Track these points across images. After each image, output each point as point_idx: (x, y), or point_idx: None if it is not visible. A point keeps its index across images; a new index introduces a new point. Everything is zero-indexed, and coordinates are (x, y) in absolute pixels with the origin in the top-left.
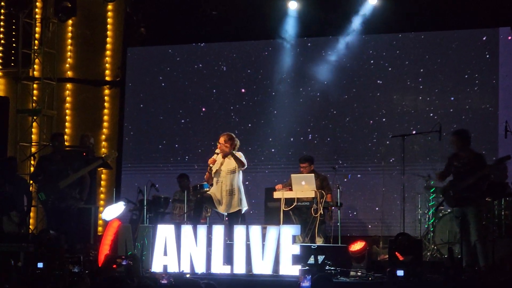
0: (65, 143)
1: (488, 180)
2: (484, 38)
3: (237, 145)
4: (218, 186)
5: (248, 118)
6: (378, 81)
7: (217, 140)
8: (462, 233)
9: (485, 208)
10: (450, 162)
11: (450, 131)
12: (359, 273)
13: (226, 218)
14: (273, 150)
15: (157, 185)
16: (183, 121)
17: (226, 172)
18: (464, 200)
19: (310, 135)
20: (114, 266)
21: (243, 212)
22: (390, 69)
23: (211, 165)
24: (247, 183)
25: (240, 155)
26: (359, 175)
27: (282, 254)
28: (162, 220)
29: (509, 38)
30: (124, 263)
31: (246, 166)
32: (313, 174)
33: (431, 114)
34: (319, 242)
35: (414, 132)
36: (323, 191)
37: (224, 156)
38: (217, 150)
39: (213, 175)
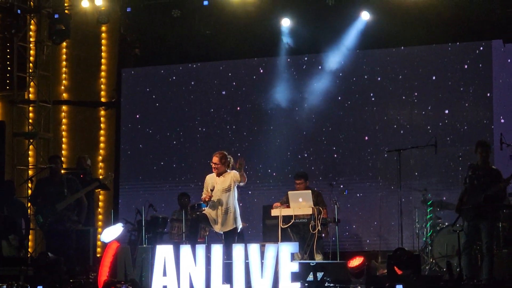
0: (63, 165)
1: (505, 194)
2: (477, 51)
3: (230, 163)
4: (214, 205)
5: (245, 136)
6: (373, 96)
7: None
8: (466, 245)
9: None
10: (468, 172)
11: (446, 144)
12: None
13: (223, 238)
14: (269, 168)
15: (154, 206)
16: (179, 140)
17: (221, 191)
18: (480, 213)
19: (306, 152)
20: None
21: (238, 230)
22: (384, 84)
23: (209, 202)
24: (244, 201)
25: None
26: (355, 191)
27: (281, 271)
28: (160, 240)
29: (502, 50)
30: None
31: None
32: (310, 191)
33: (427, 128)
34: (318, 258)
35: (409, 146)
36: (320, 208)
37: (218, 175)
38: (213, 171)
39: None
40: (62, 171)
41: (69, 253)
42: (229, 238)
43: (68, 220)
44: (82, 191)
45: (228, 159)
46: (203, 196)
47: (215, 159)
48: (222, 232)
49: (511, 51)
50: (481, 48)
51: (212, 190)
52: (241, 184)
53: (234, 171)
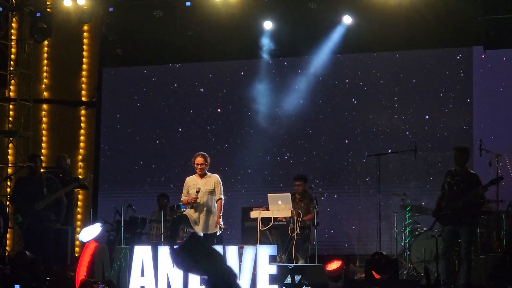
0: (42, 164)
1: (483, 200)
2: (458, 57)
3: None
4: (196, 206)
5: (225, 138)
6: (354, 101)
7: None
8: (444, 251)
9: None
10: (445, 178)
11: (425, 149)
12: None
13: None
14: (249, 170)
15: (133, 206)
16: (159, 141)
17: (204, 192)
18: (459, 219)
19: (286, 155)
20: None
21: (218, 233)
22: (365, 88)
23: (193, 204)
24: (223, 202)
25: (220, 189)
26: (335, 194)
27: (259, 274)
28: (139, 240)
29: (483, 56)
30: None
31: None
32: (289, 194)
33: (407, 133)
34: (301, 262)
35: (389, 151)
36: (299, 211)
37: (201, 176)
38: (198, 172)
39: (188, 195)
40: (42, 170)
41: (47, 252)
42: (209, 241)
43: (46, 219)
44: (61, 191)
45: (208, 160)
46: (184, 198)
47: (201, 159)
48: (202, 234)
49: (491, 57)
50: (462, 54)
51: (197, 192)
52: (216, 206)
53: (216, 175)
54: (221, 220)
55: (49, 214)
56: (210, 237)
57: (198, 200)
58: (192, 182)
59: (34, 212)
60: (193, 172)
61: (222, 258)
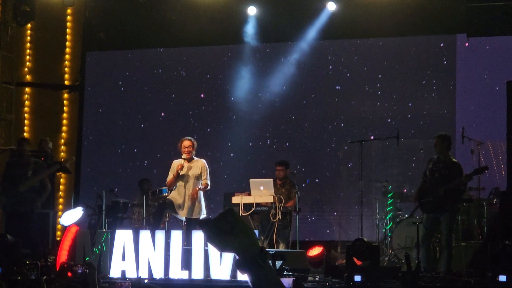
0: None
1: (464, 188)
2: (441, 45)
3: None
4: (181, 191)
5: (207, 123)
6: (337, 87)
7: (175, 144)
8: (425, 238)
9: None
10: (427, 165)
11: (408, 136)
12: (317, 278)
13: (185, 223)
14: (232, 154)
15: (115, 190)
16: (142, 126)
17: (191, 177)
18: (440, 206)
19: (268, 140)
20: (70, 274)
21: (200, 219)
22: (348, 74)
23: (179, 171)
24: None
25: (207, 175)
26: (317, 180)
27: None
28: (120, 225)
29: (466, 44)
30: (79, 271)
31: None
32: (271, 179)
33: (389, 120)
34: (282, 247)
35: (372, 137)
36: (281, 196)
37: (189, 161)
38: (184, 156)
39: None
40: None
41: (30, 236)
42: (192, 226)
43: (31, 201)
44: (43, 173)
45: (195, 145)
46: (169, 179)
47: (187, 143)
48: (184, 218)
49: (474, 45)
50: (445, 42)
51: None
52: (200, 186)
53: (203, 160)
54: (203, 206)
55: (35, 196)
56: (194, 222)
57: (181, 172)
58: (178, 165)
59: (18, 194)
60: (176, 156)
61: (252, 234)
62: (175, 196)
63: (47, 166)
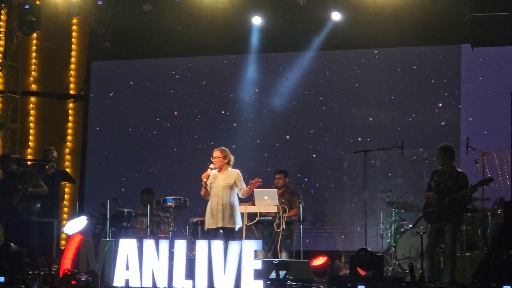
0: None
1: (470, 199)
2: (447, 55)
3: (231, 160)
4: (214, 201)
5: (211, 132)
6: (342, 97)
7: (180, 154)
8: (429, 248)
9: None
10: (432, 177)
11: (412, 146)
12: None
13: (221, 231)
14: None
15: (119, 201)
16: (147, 135)
17: (223, 187)
18: (444, 216)
19: (273, 150)
20: (73, 282)
21: (236, 229)
22: (353, 84)
23: (205, 179)
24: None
25: (242, 184)
26: (321, 190)
27: (244, 269)
28: (125, 234)
29: (471, 54)
30: (83, 279)
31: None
32: (276, 189)
33: (394, 130)
34: (284, 257)
35: (376, 147)
36: (285, 206)
37: (220, 171)
38: (212, 166)
39: (209, 190)
40: (29, 163)
41: (30, 245)
42: (228, 236)
43: (26, 211)
44: (31, 189)
45: (229, 156)
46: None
47: (216, 153)
48: (214, 227)
49: (479, 55)
50: (450, 52)
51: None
52: (241, 196)
53: (237, 170)
54: (239, 216)
55: (29, 205)
56: (230, 232)
57: (213, 193)
58: (212, 176)
59: (11, 206)
60: (183, 168)
61: None
62: (210, 204)
63: (49, 175)
